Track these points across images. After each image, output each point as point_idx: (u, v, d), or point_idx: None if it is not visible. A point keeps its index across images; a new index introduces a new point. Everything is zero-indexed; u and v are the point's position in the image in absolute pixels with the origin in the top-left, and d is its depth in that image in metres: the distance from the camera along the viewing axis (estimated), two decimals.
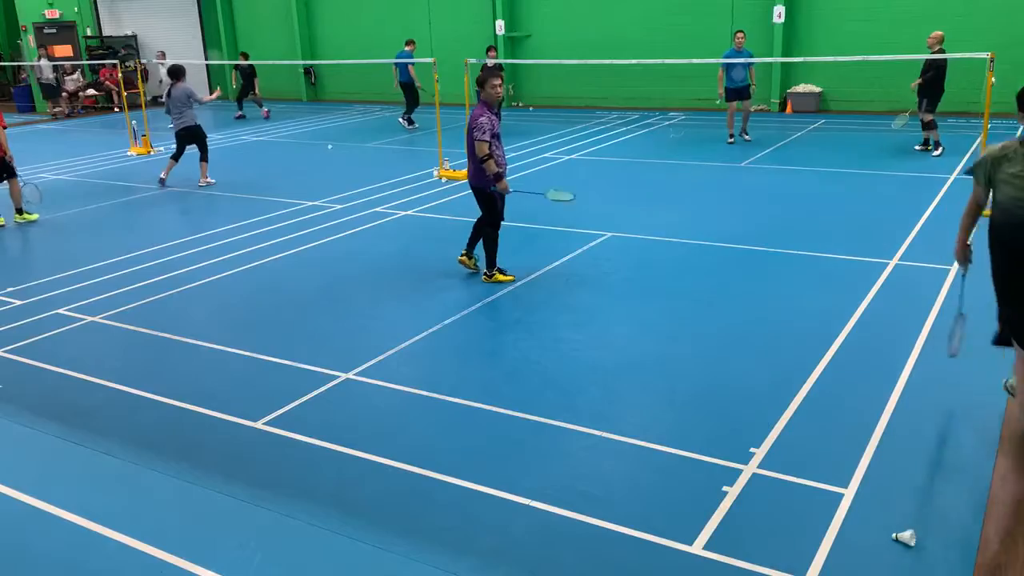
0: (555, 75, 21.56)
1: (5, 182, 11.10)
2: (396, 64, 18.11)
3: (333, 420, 5.29)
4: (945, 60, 12.87)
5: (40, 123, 23.54)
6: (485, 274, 7.80)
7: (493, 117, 7.35)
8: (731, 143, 15.09)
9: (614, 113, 20.25)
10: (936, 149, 13.46)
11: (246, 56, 22.11)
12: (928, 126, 13.43)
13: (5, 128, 10.98)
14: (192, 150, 13.02)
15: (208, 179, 13.07)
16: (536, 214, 10.25)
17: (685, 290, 7.54)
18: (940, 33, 13.15)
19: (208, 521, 4.29)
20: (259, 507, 4.37)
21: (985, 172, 4.53)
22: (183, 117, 12.60)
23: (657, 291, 7.57)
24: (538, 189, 10.27)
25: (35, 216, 11.30)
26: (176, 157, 13.02)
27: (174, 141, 12.96)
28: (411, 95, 18.46)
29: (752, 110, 19.60)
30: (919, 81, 13.33)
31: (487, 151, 7.22)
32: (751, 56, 15.24)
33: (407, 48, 18.08)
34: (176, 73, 12.56)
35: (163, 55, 22.00)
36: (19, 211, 11.15)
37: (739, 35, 14.98)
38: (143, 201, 12.20)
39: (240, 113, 21.97)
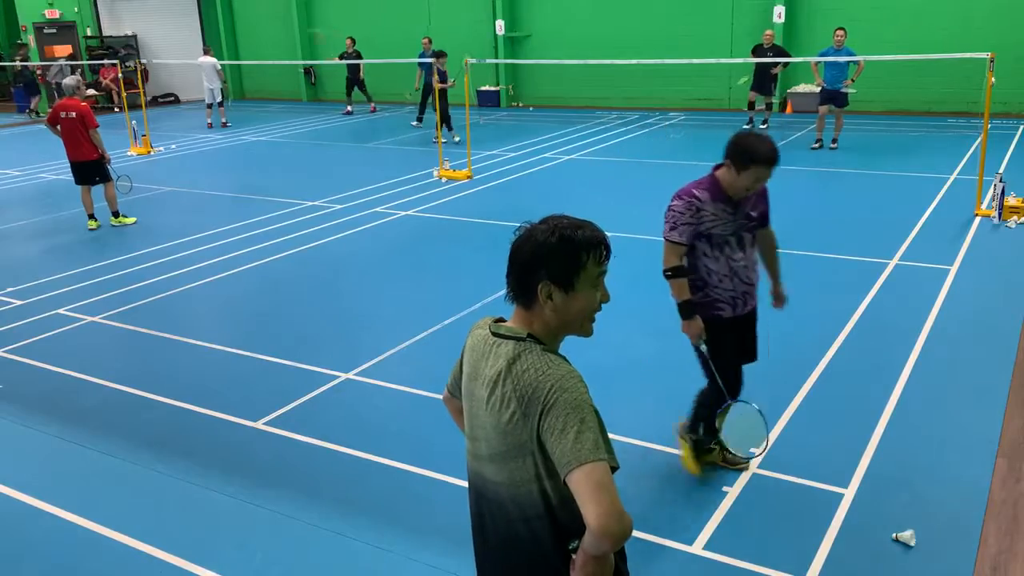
0: (555, 75, 21.53)
1: (100, 185, 10.61)
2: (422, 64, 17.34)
3: (333, 420, 5.29)
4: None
5: (40, 123, 23.47)
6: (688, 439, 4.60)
7: (714, 205, 4.00)
8: (816, 148, 13.95)
9: (614, 113, 20.23)
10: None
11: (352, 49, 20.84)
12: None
13: (98, 127, 10.53)
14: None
15: None
16: (534, 213, 10.23)
17: None
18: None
19: (208, 521, 4.29)
20: (259, 507, 4.37)
21: None
22: None
23: (657, 291, 7.52)
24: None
25: (132, 220, 10.86)
26: None
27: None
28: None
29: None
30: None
31: (675, 262, 4.06)
32: (852, 55, 13.63)
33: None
34: None
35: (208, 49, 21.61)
36: (115, 214, 10.76)
37: (838, 32, 13.64)
38: (142, 201, 12.18)
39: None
